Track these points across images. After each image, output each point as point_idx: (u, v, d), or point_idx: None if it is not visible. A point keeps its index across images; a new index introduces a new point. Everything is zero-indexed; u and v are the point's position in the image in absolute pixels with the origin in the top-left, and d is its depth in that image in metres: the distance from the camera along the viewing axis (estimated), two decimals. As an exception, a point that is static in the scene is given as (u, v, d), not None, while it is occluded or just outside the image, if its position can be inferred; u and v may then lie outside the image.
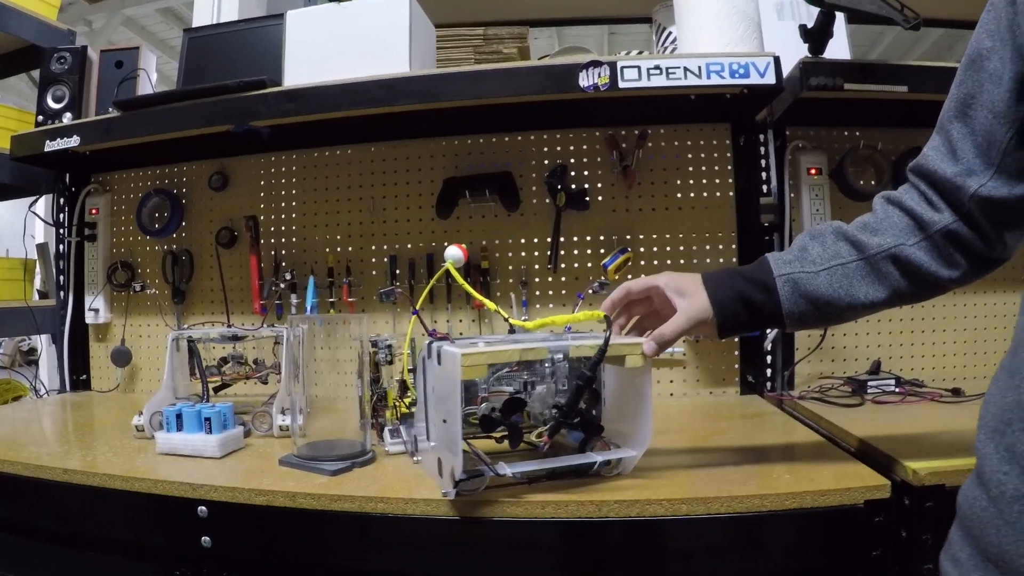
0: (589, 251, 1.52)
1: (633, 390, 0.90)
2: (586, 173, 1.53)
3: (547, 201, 1.52)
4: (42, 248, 1.97)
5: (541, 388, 0.95)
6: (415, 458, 1.01)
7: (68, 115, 1.63)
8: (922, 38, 5.66)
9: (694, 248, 1.49)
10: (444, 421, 0.84)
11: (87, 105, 1.69)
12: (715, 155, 1.49)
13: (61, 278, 1.80)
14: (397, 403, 1.16)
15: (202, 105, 1.40)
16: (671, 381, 1.49)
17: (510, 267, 1.54)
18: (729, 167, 1.49)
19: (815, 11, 1.24)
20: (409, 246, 1.58)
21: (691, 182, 1.50)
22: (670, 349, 0.86)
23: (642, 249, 1.50)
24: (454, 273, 0.96)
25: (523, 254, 1.54)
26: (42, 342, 2.35)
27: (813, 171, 1.44)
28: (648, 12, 1.73)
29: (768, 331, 1.43)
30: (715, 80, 1.21)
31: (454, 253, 0.97)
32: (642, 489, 0.84)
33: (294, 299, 1.59)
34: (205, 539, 0.93)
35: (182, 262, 1.70)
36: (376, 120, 1.39)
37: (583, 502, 0.82)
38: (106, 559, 1.01)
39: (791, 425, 1.20)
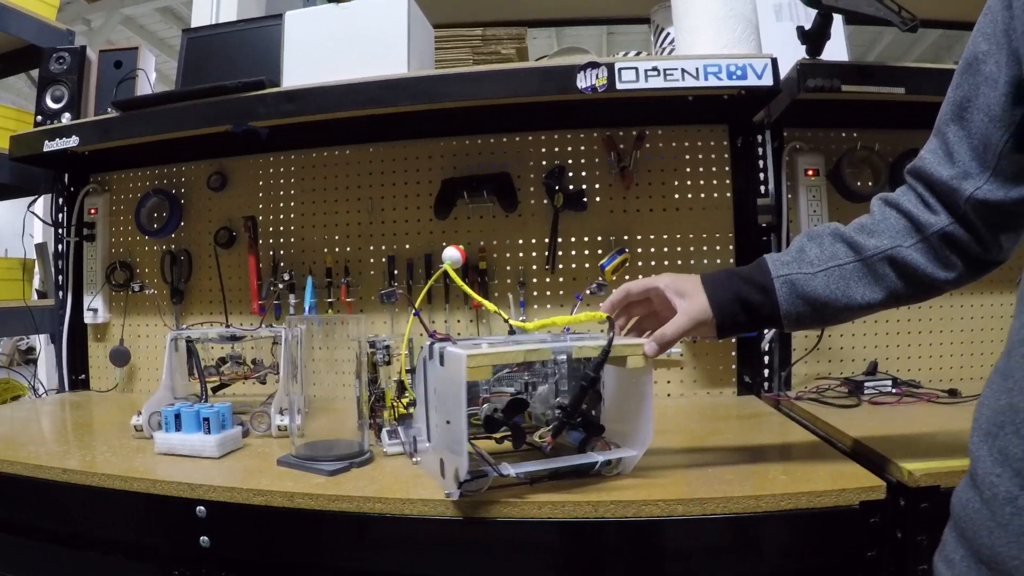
0: (587, 252, 1.52)
1: (633, 390, 0.91)
2: (584, 174, 1.53)
3: (545, 202, 1.52)
4: (41, 248, 1.97)
5: (542, 389, 0.96)
6: (414, 459, 1.01)
7: (67, 115, 1.63)
8: (921, 38, 5.67)
9: (691, 249, 1.49)
10: (447, 422, 0.84)
11: (86, 105, 1.69)
12: (712, 156, 1.50)
13: (60, 278, 1.80)
14: (395, 403, 1.16)
15: (201, 105, 1.40)
16: (668, 381, 1.49)
17: (508, 268, 1.54)
18: (727, 168, 1.49)
19: (813, 12, 1.25)
20: (407, 246, 1.58)
21: (688, 183, 1.50)
22: (668, 350, 0.87)
23: (640, 250, 1.51)
24: (452, 274, 0.96)
25: (521, 255, 1.54)
26: (41, 341, 2.35)
27: (810, 172, 1.44)
28: (646, 13, 1.73)
29: (766, 331, 1.43)
30: (712, 82, 1.21)
31: (452, 255, 0.97)
32: (639, 490, 0.85)
33: (292, 299, 1.60)
34: (204, 539, 0.93)
35: (181, 262, 1.70)
36: (375, 121, 1.39)
37: (579, 503, 0.82)
38: (105, 559, 1.01)
39: (788, 426, 1.21)
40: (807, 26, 1.27)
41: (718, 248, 1.49)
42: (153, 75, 1.79)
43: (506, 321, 0.91)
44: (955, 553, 0.59)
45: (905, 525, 0.86)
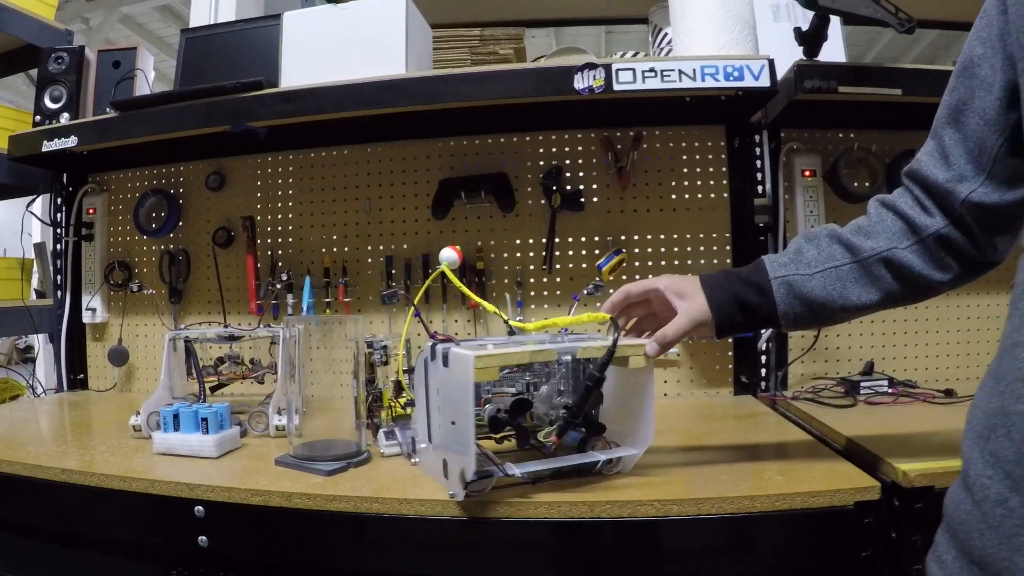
0: (584, 252, 1.52)
1: (634, 390, 0.91)
2: (581, 174, 1.53)
3: (542, 202, 1.52)
4: (39, 248, 1.97)
5: (544, 389, 0.96)
6: (413, 459, 1.01)
7: (66, 115, 1.63)
8: (919, 39, 5.67)
9: (689, 249, 1.50)
10: (453, 423, 0.84)
11: (84, 105, 1.69)
12: (710, 156, 1.50)
13: (58, 278, 1.80)
14: (392, 403, 1.16)
15: (199, 106, 1.40)
16: (665, 381, 1.49)
17: (505, 268, 1.55)
18: (724, 168, 1.49)
19: (810, 14, 1.25)
20: (405, 247, 1.59)
21: (686, 183, 1.50)
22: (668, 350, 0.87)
23: (637, 250, 1.51)
24: (449, 275, 0.96)
25: (518, 255, 1.54)
26: (39, 340, 2.35)
27: (807, 173, 1.45)
28: (645, 13, 1.73)
29: (763, 331, 1.44)
30: (710, 83, 1.21)
31: (449, 255, 0.98)
32: (635, 489, 0.85)
33: (290, 299, 1.60)
34: (202, 539, 0.94)
35: (179, 262, 1.70)
36: (373, 121, 1.39)
37: (576, 502, 0.83)
38: (104, 559, 1.01)
39: (783, 426, 1.21)
40: (804, 27, 1.28)
41: (715, 248, 1.49)
42: (152, 74, 1.79)
43: (506, 322, 0.91)
44: (947, 554, 0.59)
45: (899, 525, 0.86)
